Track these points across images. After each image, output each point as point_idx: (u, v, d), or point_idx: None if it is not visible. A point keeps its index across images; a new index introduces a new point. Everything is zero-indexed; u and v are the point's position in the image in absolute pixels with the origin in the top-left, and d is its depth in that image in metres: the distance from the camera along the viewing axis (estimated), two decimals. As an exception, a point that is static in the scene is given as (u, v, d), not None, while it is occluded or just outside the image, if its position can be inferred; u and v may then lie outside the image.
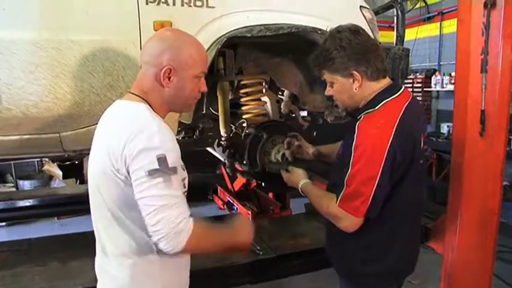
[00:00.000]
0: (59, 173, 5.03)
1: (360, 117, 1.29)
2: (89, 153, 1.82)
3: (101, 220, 1.12)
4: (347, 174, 1.24)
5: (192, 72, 1.10)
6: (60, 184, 4.87)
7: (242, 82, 2.17)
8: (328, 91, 1.36)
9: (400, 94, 1.31)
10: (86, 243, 2.00)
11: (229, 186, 3.08)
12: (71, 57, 1.41)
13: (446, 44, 5.31)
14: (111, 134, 1.04)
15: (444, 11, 5.32)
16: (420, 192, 1.43)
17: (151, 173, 0.96)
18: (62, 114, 1.46)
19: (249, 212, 2.59)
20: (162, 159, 0.97)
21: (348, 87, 1.29)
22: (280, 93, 2.47)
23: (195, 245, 1.02)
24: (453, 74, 4.93)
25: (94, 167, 1.10)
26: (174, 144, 1.03)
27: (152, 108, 1.08)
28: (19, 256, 1.80)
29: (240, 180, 2.89)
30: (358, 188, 1.23)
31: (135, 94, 1.10)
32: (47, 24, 1.38)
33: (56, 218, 4.48)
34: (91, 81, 1.46)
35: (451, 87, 4.88)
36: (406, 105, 1.28)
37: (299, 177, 1.50)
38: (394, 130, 1.22)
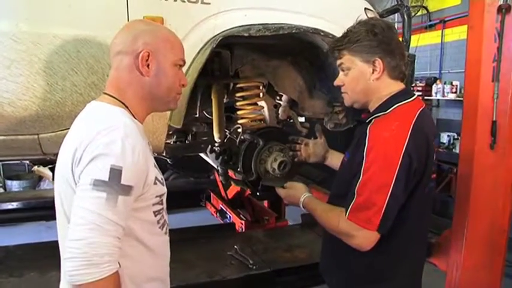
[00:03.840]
0: (49, 174, 4.87)
1: (371, 121, 1.19)
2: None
3: (60, 228, 0.99)
4: (358, 183, 1.12)
5: (171, 57, 0.99)
6: (50, 185, 4.73)
7: (238, 85, 2.06)
8: (339, 80, 1.26)
9: (413, 100, 1.21)
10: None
11: (223, 193, 2.96)
12: (52, 52, 1.29)
13: (448, 52, 5.24)
14: (76, 138, 0.90)
15: (446, 19, 5.26)
16: (430, 210, 1.33)
17: (96, 184, 0.81)
18: (41, 114, 1.34)
19: (242, 222, 2.48)
20: (115, 172, 0.82)
21: (365, 75, 1.19)
22: (278, 98, 2.37)
23: None
24: (454, 82, 4.87)
25: (58, 171, 0.97)
26: (138, 159, 0.87)
27: (130, 111, 0.96)
28: (-5, 266, 1.67)
29: (234, 188, 2.77)
30: (370, 197, 1.10)
31: (109, 95, 0.98)
32: (26, 15, 1.26)
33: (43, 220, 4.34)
34: (74, 79, 1.34)
35: (452, 96, 4.80)
36: (419, 111, 1.18)
37: (299, 192, 1.35)
38: (409, 133, 1.11)
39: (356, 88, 1.23)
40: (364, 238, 1.12)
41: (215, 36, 1.49)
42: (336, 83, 1.28)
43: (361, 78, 1.21)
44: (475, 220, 1.73)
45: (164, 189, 0.99)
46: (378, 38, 1.16)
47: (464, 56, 5.07)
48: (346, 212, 1.14)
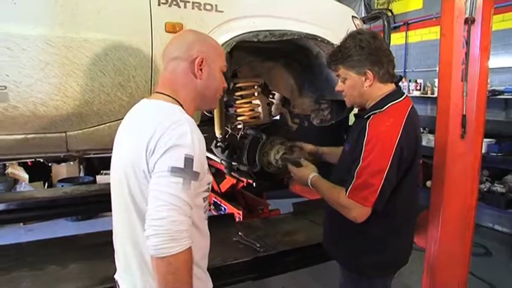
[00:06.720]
0: (25, 176, 4.75)
1: (370, 117, 1.41)
2: (91, 154, 1.80)
3: (119, 210, 1.09)
4: (357, 167, 1.34)
5: (219, 63, 1.16)
6: (26, 188, 4.61)
7: (237, 85, 2.22)
8: (339, 87, 1.48)
9: (403, 99, 1.44)
10: (80, 245, 1.96)
11: (216, 187, 3.10)
12: (82, 55, 1.40)
13: (412, 53, 5.65)
14: (145, 131, 1.00)
15: (409, 22, 5.67)
16: (417, 191, 1.57)
17: (174, 171, 0.93)
18: (70, 113, 1.44)
19: (240, 212, 2.64)
20: (189, 160, 0.95)
21: (359, 84, 1.41)
22: (271, 96, 2.55)
23: (177, 264, 0.91)
24: (419, 80, 5.28)
25: (123, 162, 1.07)
26: (203, 150, 1.02)
27: (183, 108, 1.09)
28: (11, 262, 1.71)
29: (228, 181, 2.92)
30: (368, 179, 1.32)
31: (163, 93, 1.10)
32: (59, 21, 1.35)
33: (21, 224, 4.24)
34: (102, 80, 1.45)
35: (417, 93, 5.20)
36: (409, 109, 1.41)
37: (310, 171, 1.56)
38: (401, 128, 1.34)
39: (353, 94, 1.47)
40: (360, 213, 1.35)
41: (228, 41, 1.64)
42: (337, 89, 1.51)
43: (356, 86, 1.44)
44: (449, 200, 2.01)
45: (211, 178, 1.13)
46: (365, 51, 1.38)
47: (427, 56, 5.40)
48: (346, 191, 1.36)
